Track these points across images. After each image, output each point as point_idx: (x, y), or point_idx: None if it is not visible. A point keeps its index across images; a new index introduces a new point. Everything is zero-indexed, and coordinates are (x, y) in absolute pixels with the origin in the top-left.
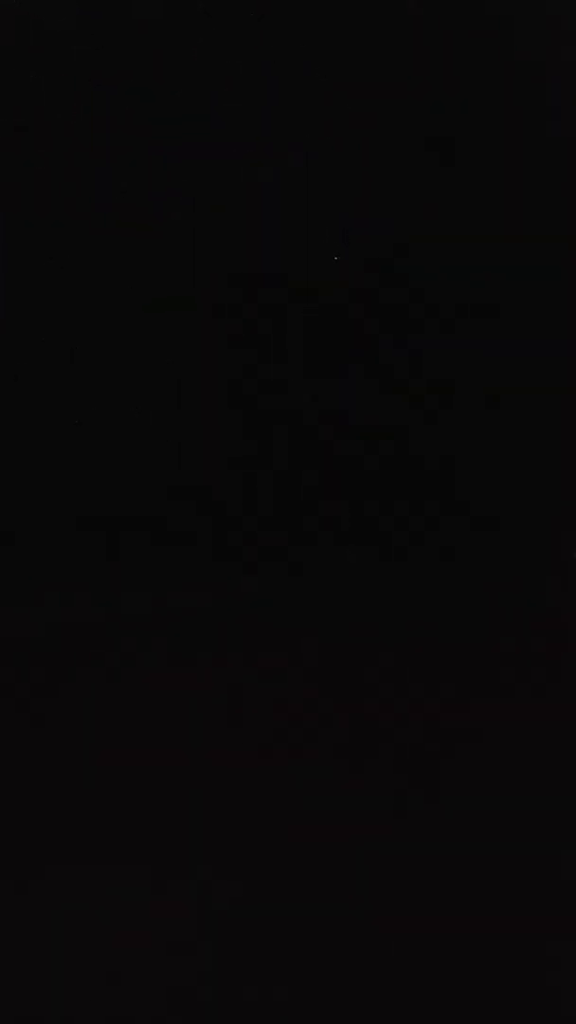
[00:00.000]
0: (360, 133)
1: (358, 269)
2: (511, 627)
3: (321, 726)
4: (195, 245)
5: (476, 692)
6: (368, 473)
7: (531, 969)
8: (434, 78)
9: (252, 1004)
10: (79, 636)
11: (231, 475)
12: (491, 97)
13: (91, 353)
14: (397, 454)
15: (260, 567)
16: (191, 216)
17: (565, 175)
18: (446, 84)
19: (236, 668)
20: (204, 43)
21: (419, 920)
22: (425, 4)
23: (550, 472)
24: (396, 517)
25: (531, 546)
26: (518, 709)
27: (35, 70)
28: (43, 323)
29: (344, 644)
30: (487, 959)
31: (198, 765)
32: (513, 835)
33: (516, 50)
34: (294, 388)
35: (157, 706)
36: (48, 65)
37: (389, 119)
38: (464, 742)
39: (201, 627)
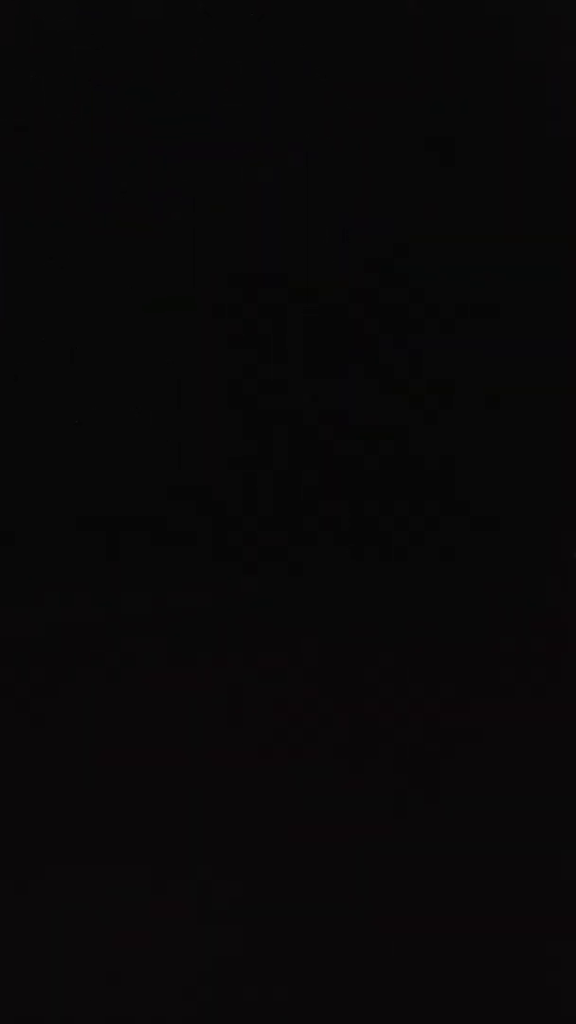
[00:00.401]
0: (360, 133)
1: (358, 269)
2: (511, 627)
3: (321, 726)
4: (195, 245)
5: (476, 692)
6: (368, 473)
7: (531, 969)
8: (434, 78)
9: (252, 1004)
10: (79, 636)
11: (231, 475)
12: (491, 97)
13: (91, 353)
14: (397, 454)
15: (260, 567)
16: (191, 216)
17: (565, 175)
18: (446, 84)
19: (236, 668)
20: (204, 43)
21: (419, 920)
22: (425, 4)
23: (550, 472)
24: (396, 517)
25: (531, 546)
26: (518, 709)
27: (35, 70)
28: (43, 323)
29: (344, 644)
30: (487, 959)
31: (198, 765)
32: (513, 835)
33: (516, 50)
34: (294, 388)
35: (157, 706)
36: (48, 65)
37: (389, 119)
38: (464, 742)
39: (201, 627)
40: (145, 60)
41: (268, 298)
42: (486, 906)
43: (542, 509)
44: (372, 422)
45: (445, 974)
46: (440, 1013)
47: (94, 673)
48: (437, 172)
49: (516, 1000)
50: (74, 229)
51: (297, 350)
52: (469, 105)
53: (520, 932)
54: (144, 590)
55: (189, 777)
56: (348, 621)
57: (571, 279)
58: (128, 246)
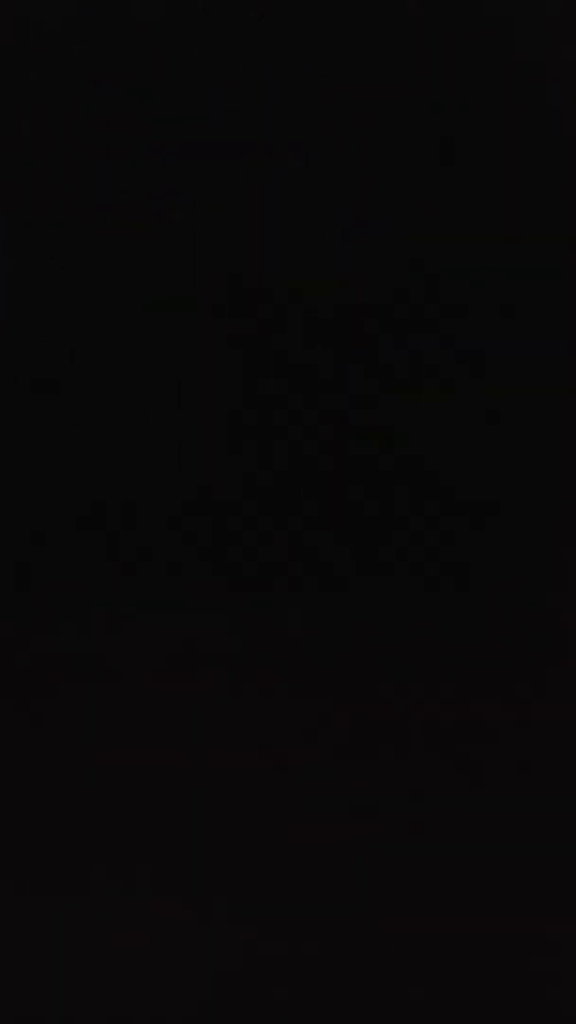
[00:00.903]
0: (360, 133)
1: (358, 268)
2: (512, 628)
3: (322, 726)
4: (195, 246)
5: (477, 693)
6: (368, 473)
7: (532, 970)
8: (434, 78)
9: (252, 1004)
10: (79, 637)
11: (231, 475)
12: (491, 97)
13: (91, 353)
14: (397, 454)
15: (259, 567)
16: (191, 217)
17: (565, 175)
18: (446, 84)
19: (237, 668)
20: (204, 43)
21: (419, 920)
22: (425, 4)
23: (551, 473)
24: (397, 518)
25: (532, 547)
26: (518, 709)
27: (35, 70)
28: (43, 323)
29: (345, 645)
30: (488, 961)
31: (198, 767)
32: (515, 836)
33: (516, 50)
34: (294, 388)
35: (157, 708)
36: (48, 65)
37: (389, 119)
38: (465, 743)
39: (202, 628)
40: (145, 60)
41: (268, 298)
42: (486, 908)
43: (543, 510)
44: (373, 423)
45: (445, 974)
46: (440, 1013)
47: (95, 673)
48: (437, 172)
49: (517, 1001)
50: (74, 229)
51: (297, 351)
52: (469, 105)
53: (521, 933)
54: (145, 593)
55: (189, 778)
56: (349, 622)
57: (571, 279)
58: (128, 247)
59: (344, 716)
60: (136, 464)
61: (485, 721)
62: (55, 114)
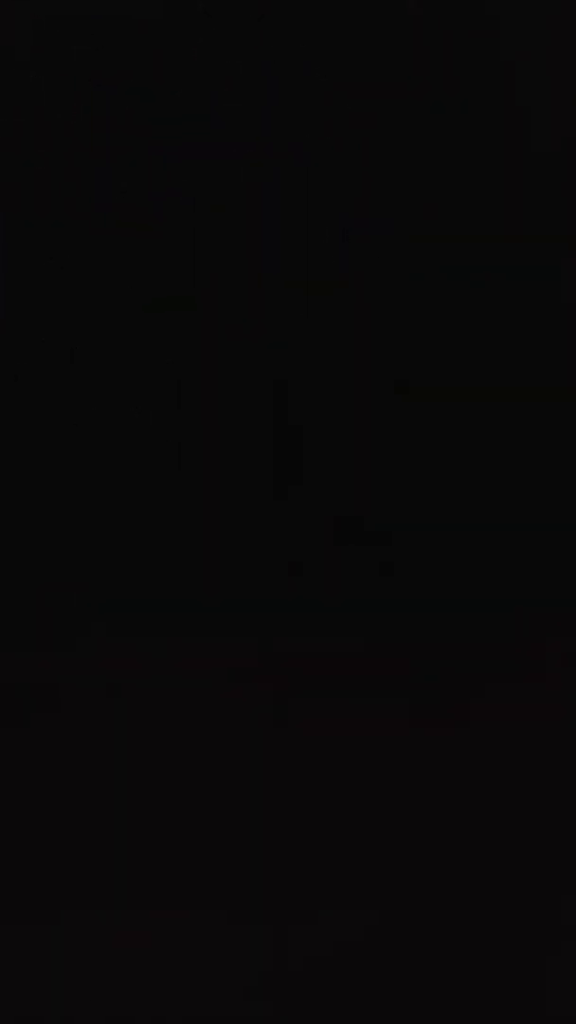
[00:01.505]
0: (360, 133)
1: (358, 268)
2: (515, 628)
3: (321, 729)
4: (195, 246)
5: (477, 693)
6: (369, 472)
7: (532, 970)
8: (434, 78)
9: (252, 1004)
10: (80, 639)
11: (231, 474)
12: (491, 98)
13: (91, 353)
14: (399, 453)
15: (260, 566)
16: (191, 217)
17: (565, 175)
18: (446, 84)
19: (238, 670)
20: (204, 43)
21: (419, 920)
22: (425, 4)
23: (551, 473)
24: (398, 517)
25: (534, 548)
26: (519, 709)
27: (35, 70)
28: (43, 323)
29: (347, 645)
30: (488, 961)
31: (200, 771)
32: (515, 836)
33: (516, 50)
34: (294, 388)
35: (160, 716)
36: (49, 65)
37: (389, 119)
38: (466, 744)
39: (203, 631)
40: (145, 60)
41: (268, 298)
42: (488, 910)
43: (544, 510)
44: (373, 422)
45: (446, 975)
46: (441, 1013)
47: (96, 673)
48: (437, 172)
49: (516, 1001)
50: (74, 229)
51: (297, 350)
52: (469, 105)
53: (520, 934)
54: (146, 596)
55: (191, 783)
56: (351, 622)
57: (572, 279)
58: (128, 247)
59: (344, 718)
60: (135, 464)
61: (487, 721)
62: (55, 114)
